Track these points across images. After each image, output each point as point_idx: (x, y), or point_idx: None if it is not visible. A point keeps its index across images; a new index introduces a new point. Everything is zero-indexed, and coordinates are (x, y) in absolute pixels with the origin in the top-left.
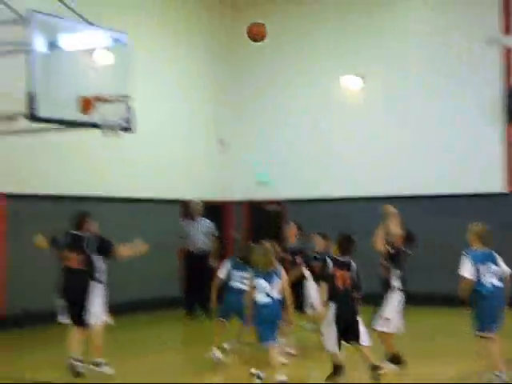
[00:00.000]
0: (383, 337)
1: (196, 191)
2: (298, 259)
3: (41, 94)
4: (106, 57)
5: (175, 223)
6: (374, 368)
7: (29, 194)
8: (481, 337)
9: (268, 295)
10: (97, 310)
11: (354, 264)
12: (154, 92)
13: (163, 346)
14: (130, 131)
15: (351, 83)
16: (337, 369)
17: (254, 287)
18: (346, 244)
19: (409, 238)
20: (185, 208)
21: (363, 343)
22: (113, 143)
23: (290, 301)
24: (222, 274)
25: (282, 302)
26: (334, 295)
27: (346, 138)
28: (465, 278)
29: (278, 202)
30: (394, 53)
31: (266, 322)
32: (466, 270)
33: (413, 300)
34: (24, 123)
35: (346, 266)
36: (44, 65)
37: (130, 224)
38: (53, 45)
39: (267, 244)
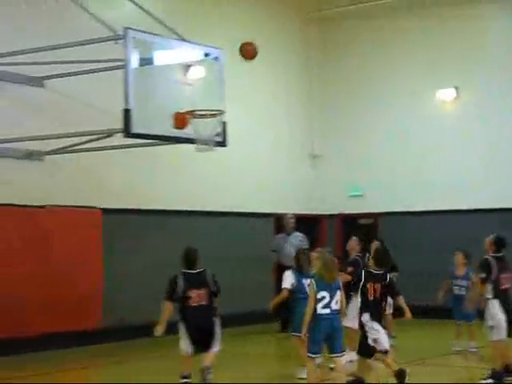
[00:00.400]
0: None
1: (289, 205)
2: (349, 269)
3: (136, 110)
4: (200, 72)
5: (268, 237)
6: (399, 374)
7: (124, 208)
8: None
9: (328, 307)
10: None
11: (389, 276)
12: (247, 106)
13: (258, 360)
14: (223, 146)
15: (445, 96)
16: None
17: (316, 298)
18: (381, 257)
19: None
20: (278, 222)
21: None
22: (206, 158)
23: (344, 313)
24: (287, 284)
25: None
26: (365, 306)
27: (439, 151)
28: None
29: (371, 216)
30: (488, 64)
31: (326, 333)
32: None
33: None
34: (120, 139)
35: (380, 279)
36: (139, 81)
37: (224, 238)
38: (147, 61)
39: (331, 257)
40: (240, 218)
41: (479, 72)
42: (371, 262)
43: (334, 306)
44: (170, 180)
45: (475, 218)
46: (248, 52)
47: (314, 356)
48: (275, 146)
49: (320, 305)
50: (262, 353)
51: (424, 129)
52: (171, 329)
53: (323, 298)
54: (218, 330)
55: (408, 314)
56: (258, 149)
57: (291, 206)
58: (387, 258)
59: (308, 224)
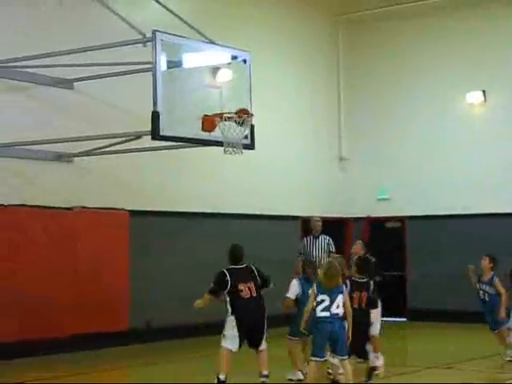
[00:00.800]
0: None
1: (317, 208)
2: None
3: (164, 113)
4: (227, 74)
5: (296, 240)
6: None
7: (151, 210)
8: None
9: (327, 310)
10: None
11: (371, 283)
12: (274, 109)
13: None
14: (251, 148)
15: (473, 98)
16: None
17: (315, 302)
18: (363, 265)
19: None
20: (305, 225)
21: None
22: (234, 160)
23: (350, 318)
24: (291, 294)
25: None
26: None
27: (466, 154)
28: None
29: (398, 219)
30: None
31: (328, 336)
32: None
33: None
34: (148, 141)
35: (363, 287)
36: (167, 84)
37: (251, 240)
38: (176, 63)
39: (333, 261)
40: (267, 221)
41: (507, 75)
42: (353, 270)
43: (335, 309)
44: (196, 182)
45: (502, 221)
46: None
47: (315, 359)
48: (302, 148)
49: (319, 308)
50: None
51: (453, 132)
52: (197, 332)
53: (323, 301)
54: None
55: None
56: (286, 152)
57: (318, 208)
58: (370, 264)
59: (335, 227)
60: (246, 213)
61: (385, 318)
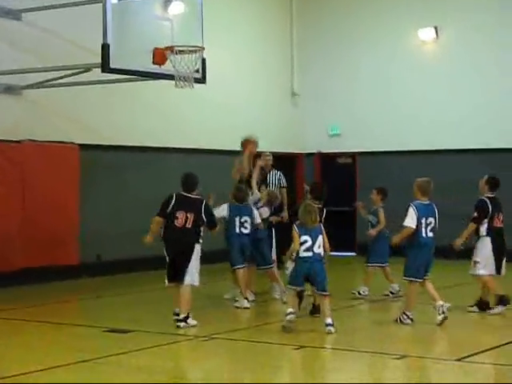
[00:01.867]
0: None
1: (268, 143)
2: None
3: (115, 46)
4: (179, 7)
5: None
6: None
7: (101, 144)
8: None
9: (310, 250)
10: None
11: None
12: (225, 43)
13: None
14: (202, 82)
15: (425, 35)
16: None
17: (299, 243)
18: (318, 190)
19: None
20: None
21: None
22: (185, 95)
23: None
24: (217, 213)
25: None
26: None
27: (418, 92)
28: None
29: (349, 155)
30: (468, 2)
31: (305, 274)
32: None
33: None
34: (98, 74)
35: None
36: (118, 16)
37: (202, 175)
38: None
39: (310, 202)
40: (217, 156)
41: (459, 10)
42: (310, 197)
43: (317, 249)
44: (148, 117)
45: (455, 157)
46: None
47: (292, 287)
48: (254, 84)
49: (303, 248)
50: None
51: (404, 69)
52: (148, 265)
53: (305, 241)
54: (196, 258)
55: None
56: (237, 87)
57: (270, 144)
58: (322, 191)
59: (286, 162)
60: (197, 147)
61: (335, 253)
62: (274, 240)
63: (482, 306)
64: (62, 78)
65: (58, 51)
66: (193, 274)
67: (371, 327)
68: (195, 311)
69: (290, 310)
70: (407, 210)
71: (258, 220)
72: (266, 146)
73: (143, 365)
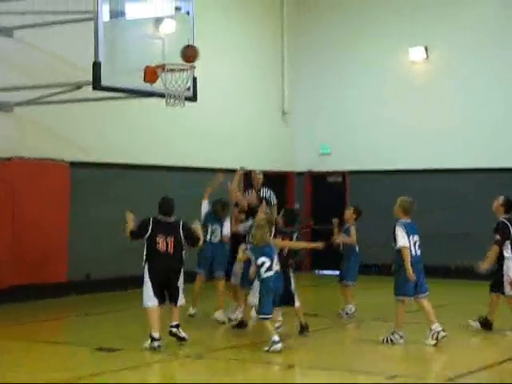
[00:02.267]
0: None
1: (258, 162)
2: None
3: (106, 63)
4: (170, 26)
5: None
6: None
7: (91, 162)
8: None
9: (270, 269)
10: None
11: (295, 235)
12: (217, 63)
13: None
14: (193, 101)
15: (415, 54)
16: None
17: (257, 265)
18: (289, 216)
19: None
20: (246, 178)
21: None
22: (176, 113)
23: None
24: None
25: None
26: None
27: (408, 111)
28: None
29: (340, 174)
30: (459, 23)
31: (271, 293)
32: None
33: None
34: (89, 92)
35: (289, 236)
36: (109, 34)
37: (190, 193)
38: (118, 14)
39: (262, 218)
40: (206, 174)
41: (449, 30)
42: (281, 221)
43: (275, 267)
44: (136, 134)
45: (440, 177)
46: (189, 55)
47: (267, 317)
48: (245, 102)
49: (263, 270)
50: None
51: (395, 88)
52: (134, 283)
53: (264, 263)
54: (181, 280)
55: None
56: (228, 105)
57: (260, 162)
58: (295, 218)
59: (277, 181)
60: (188, 165)
61: (324, 271)
62: None
63: (486, 324)
64: (52, 95)
65: (48, 68)
66: (181, 295)
67: (362, 346)
68: (184, 330)
69: (275, 337)
70: (395, 231)
71: (226, 232)
72: (257, 164)
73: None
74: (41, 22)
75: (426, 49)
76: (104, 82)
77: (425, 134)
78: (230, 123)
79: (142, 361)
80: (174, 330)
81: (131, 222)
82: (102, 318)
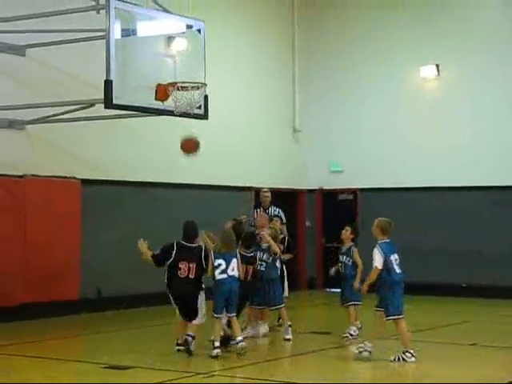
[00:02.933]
0: None
1: (269, 179)
2: None
3: (117, 81)
4: (182, 44)
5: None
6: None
7: (103, 179)
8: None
9: (224, 272)
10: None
11: (257, 256)
12: (228, 80)
13: None
14: (205, 118)
15: (427, 72)
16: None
17: (214, 266)
18: (249, 240)
19: None
20: (256, 196)
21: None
22: (188, 131)
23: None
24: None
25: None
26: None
27: (419, 129)
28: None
29: (351, 191)
30: (470, 41)
31: (226, 296)
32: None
33: None
34: (101, 110)
35: (251, 260)
36: (121, 52)
37: (203, 211)
38: (130, 32)
39: (228, 229)
40: (220, 192)
41: (461, 49)
42: (241, 245)
43: (231, 272)
44: (148, 151)
45: (457, 195)
46: (189, 148)
47: (218, 316)
48: (256, 120)
49: (217, 271)
50: None
51: (406, 106)
52: (146, 301)
53: (220, 265)
54: (200, 301)
55: None
56: (239, 123)
57: (271, 180)
58: (254, 240)
59: (287, 198)
60: (199, 183)
61: (334, 289)
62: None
63: None
64: (64, 113)
65: (60, 86)
66: (200, 315)
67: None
68: (196, 348)
69: (217, 343)
70: (373, 252)
71: None
72: (268, 181)
73: None
74: (53, 40)
75: (438, 66)
76: (116, 99)
77: (436, 151)
78: (242, 141)
79: (153, 379)
80: (190, 339)
81: (147, 251)
82: (113, 336)
